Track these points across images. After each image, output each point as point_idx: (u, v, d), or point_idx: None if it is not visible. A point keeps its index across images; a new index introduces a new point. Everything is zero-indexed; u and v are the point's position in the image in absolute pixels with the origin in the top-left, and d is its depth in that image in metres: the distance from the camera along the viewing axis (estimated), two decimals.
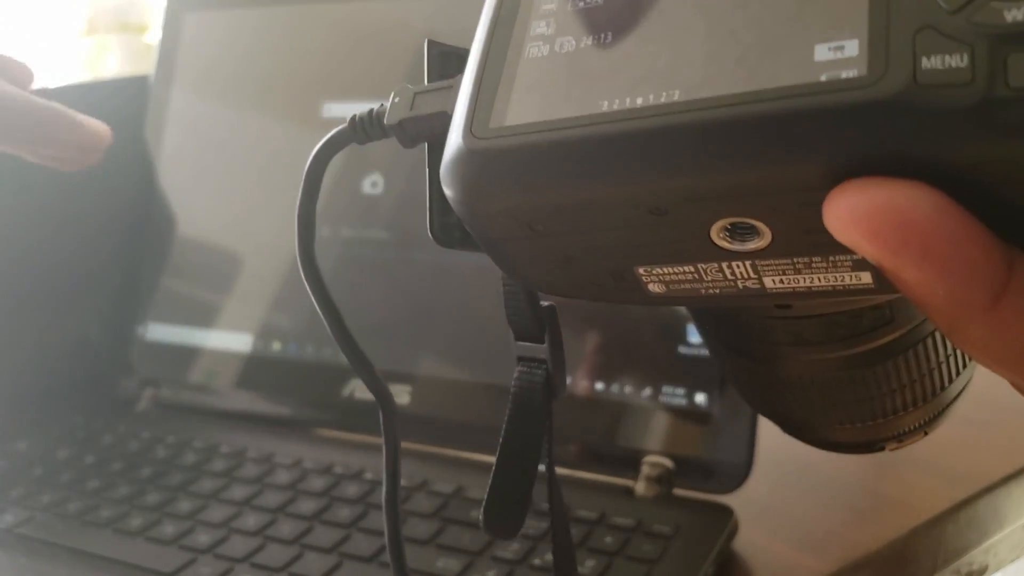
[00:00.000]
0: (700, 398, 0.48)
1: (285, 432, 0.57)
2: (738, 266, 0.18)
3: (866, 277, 0.17)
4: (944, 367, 0.25)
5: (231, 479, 0.51)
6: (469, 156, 0.18)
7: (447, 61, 0.23)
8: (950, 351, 0.24)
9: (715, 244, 0.17)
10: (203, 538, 0.46)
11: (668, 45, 0.17)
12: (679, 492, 0.47)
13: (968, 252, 0.14)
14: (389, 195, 0.58)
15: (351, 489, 0.49)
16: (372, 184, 0.58)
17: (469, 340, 0.54)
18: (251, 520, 0.47)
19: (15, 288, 0.62)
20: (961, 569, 0.47)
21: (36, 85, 0.66)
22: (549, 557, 0.42)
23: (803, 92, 0.15)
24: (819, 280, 0.18)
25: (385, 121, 0.23)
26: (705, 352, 0.48)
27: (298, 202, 0.27)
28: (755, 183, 0.16)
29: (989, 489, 0.48)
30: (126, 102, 0.66)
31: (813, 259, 0.17)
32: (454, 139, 0.19)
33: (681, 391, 0.48)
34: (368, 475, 0.50)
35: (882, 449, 0.29)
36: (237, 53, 0.64)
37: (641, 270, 0.19)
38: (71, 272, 0.64)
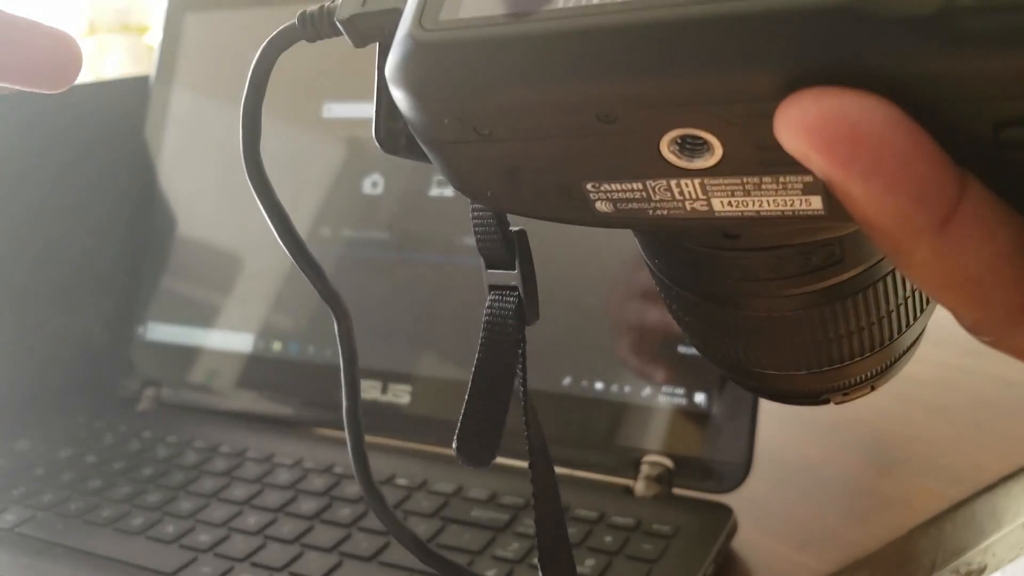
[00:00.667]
0: (699, 398, 0.48)
1: (286, 432, 0.57)
2: (687, 184, 0.17)
3: (816, 202, 0.17)
4: (895, 315, 0.24)
5: (232, 479, 0.51)
6: (416, 48, 0.18)
7: None
8: (902, 299, 0.24)
9: (665, 159, 0.17)
10: (204, 537, 0.46)
11: None
12: (678, 492, 0.47)
13: (919, 168, 0.14)
14: (389, 195, 0.58)
15: (351, 489, 0.49)
16: (372, 184, 0.58)
17: (469, 340, 0.54)
18: (252, 520, 0.47)
19: (16, 288, 0.62)
20: (960, 569, 0.48)
21: None
22: None
23: None
24: (768, 204, 0.17)
25: (335, 17, 0.23)
26: None
27: (243, 100, 0.27)
28: (706, 89, 0.15)
29: (987, 489, 0.48)
30: (127, 102, 0.66)
31: (763, 179, 0.17)
32: (402, 32, 0.18)
33: (680, 391, 0.48)
34: None
35: (827, 402, 0.28)
36: (237, 53, 0.64)
37: (589, 186, 0.18)
38: (72, 272, 0.65)
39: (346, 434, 0.30)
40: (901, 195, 0.14)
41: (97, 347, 0.65)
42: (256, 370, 0.60)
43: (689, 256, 0.23)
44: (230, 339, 0.61)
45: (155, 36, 0.83)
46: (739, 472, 0.46)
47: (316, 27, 0.24)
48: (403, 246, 0.57)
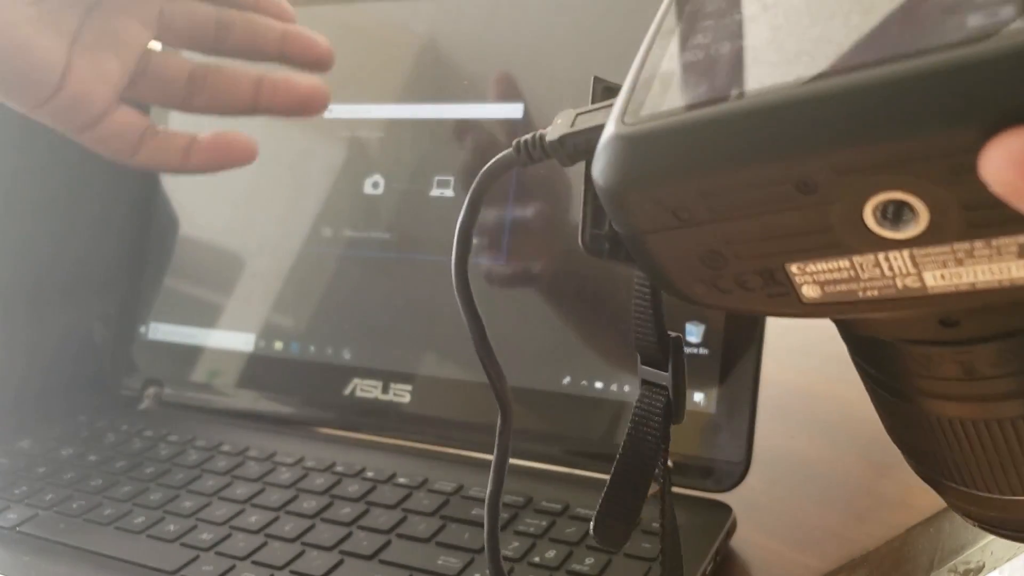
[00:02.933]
0: (698, 397, 0.48)
1: (287, 431, 0.57)
2: (896, 258, 0.17)
3: None
4: None
5: (233, 478, 0.52)
6: (617, 141, 0.18)
7: (610, 94, 0.24)
8: None
9: (870, 229, 0.16)
10: (205, 536, 0.46)
11: (808, 23, 0.17)
12: (677, 490, 0.47)
13: None
14: (390, 196, 0.58)
15: (352, 487, 0.49)
16: (373, 185, 0.58)
17: (469, 340, 0.54)
18: (253, 518, 0.47)
19: (18, 287, 0.62)
20: (958, 567, 0.48)
21: None
22: (549, 555, 0.42)
23: (947, 48, 0.15)
24: (983, 274, 0.17)
25: (547, 139, 0.24)
26: (704, 351, 0.48)
27: (459, 221, 0.28)
28: (906, 149, 0.15)
29: None
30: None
31: (975, 245, 0.16)
32: (607, 133, 0.19)
33: None
34: (369, 473, 0.50)
35: None
36: None
37: (794, 268, 0.18)
38: (74, 272, 0.65)
39: (485, 519, 0.31)
40: None
41: (99, 346, 0.66)
42: (257, 369, 0.60)
43: (901, 356, 0.22)
44: (232, 339, 0.61)
45: None
46: (738, 471, 0.46)
47: (530, 152, 0.25)
48: (403, 246, 0.57)
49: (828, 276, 0.18)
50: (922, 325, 0.21)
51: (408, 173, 0.57)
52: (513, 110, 0.54)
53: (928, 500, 0.47)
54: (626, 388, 0.50)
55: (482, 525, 0.45)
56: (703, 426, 0.48)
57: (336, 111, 0.59)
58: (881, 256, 0.17)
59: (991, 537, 0.49)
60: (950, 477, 0.25)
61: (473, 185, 0.27)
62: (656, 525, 0.44)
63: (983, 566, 0.49)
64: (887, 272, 0.17)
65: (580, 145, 0.24)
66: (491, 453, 0.54)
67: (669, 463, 0.28)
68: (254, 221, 0.62)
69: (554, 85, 0.53)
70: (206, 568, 0.43)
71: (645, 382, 0.28)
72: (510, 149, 0.26)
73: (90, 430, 0.59)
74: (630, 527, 0.28)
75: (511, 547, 0.43)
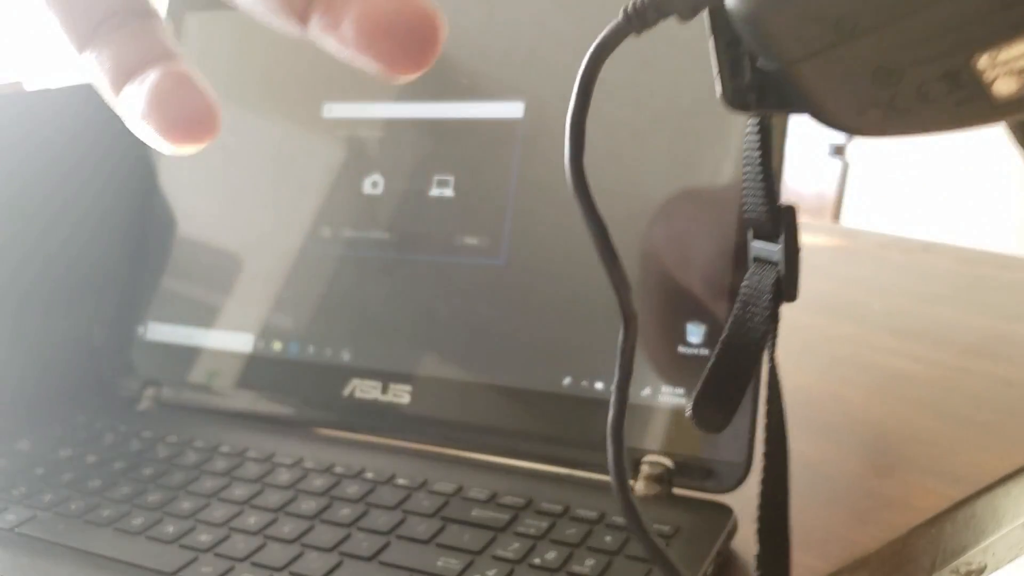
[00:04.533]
0: None
1: (286, 432, 0.57)
2: None
3: None
4: None
5: (232, 478, 0.51)
6: None
7: None
8: None
9: None
10: (204, 537, 0.46)
11: None
12: (678, 491, 0.47)
13: None
14: (390, 195, 0.58)
15: (352, 488, 0.49)
16: (372, 184, 0.58)
17: (469, 340, 0.54)
18: (252, 519, 0.47)
19: (16, 288, 0.62)
20: (960, 569, 0.48)
21: (37, 85, 0.66)
22: (549, 556, 0.42)
23: None
24: None
25: None
26: (704, 351, 0.48)
27: (570, 110, 0.24)
28: None
29: (987, 489, 0.48)
30: None
31: None
32: None
33: (680, 391, 0.48)
34: (368, 475, 0.50)
35: None
36: (238, 53, 0.64)
37: (984, 59, 0.16)
38: (72, 272, 0.65)
39: (608, 445, 0.29)
40: None
41: (97, 347, 0.65)
42: (256, 370, 0.60)
43: None
44: (230, 339, 0.61)
45: None
46: (739, 472, 0.46)
47: (641, 16, 0.22)
48: (403, 246, 0.57)
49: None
50: None
51: (407, 173, 0.57)
52: (514, 109, 0.54)
53: (930, 501, 0.47)
54: None
55: (482, 527, 0.45)
56: None
57: (336, 111, 0.59)
58: None
59: (993, 538, 0.49)
60: None
61: (583, 65, 0.24)
62: (657, 526, 0.44)
63: (985, 567, 0.49)
64: None
65: None
66: (491, 454, 0.54)
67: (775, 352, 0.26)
68: (253, 221, 0.62)
69: (556, 83, 0.53)
70: (205, 570, 0.43)
71: (755, 259, 0.26)
72: (619, 19, 0.23)
73: (88, 431, 0.59)
74: (732, 411, 0.26)
75: (511, 548, 0.43)
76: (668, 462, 0.47)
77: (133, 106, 0.21)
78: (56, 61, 0.97)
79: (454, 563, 0.42)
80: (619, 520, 0.44)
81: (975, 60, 0.16)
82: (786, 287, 0.26)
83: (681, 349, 0.49)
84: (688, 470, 0.47)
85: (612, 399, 0.28)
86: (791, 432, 0.55)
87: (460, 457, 0.52)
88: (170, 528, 0.47)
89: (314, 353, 0.58)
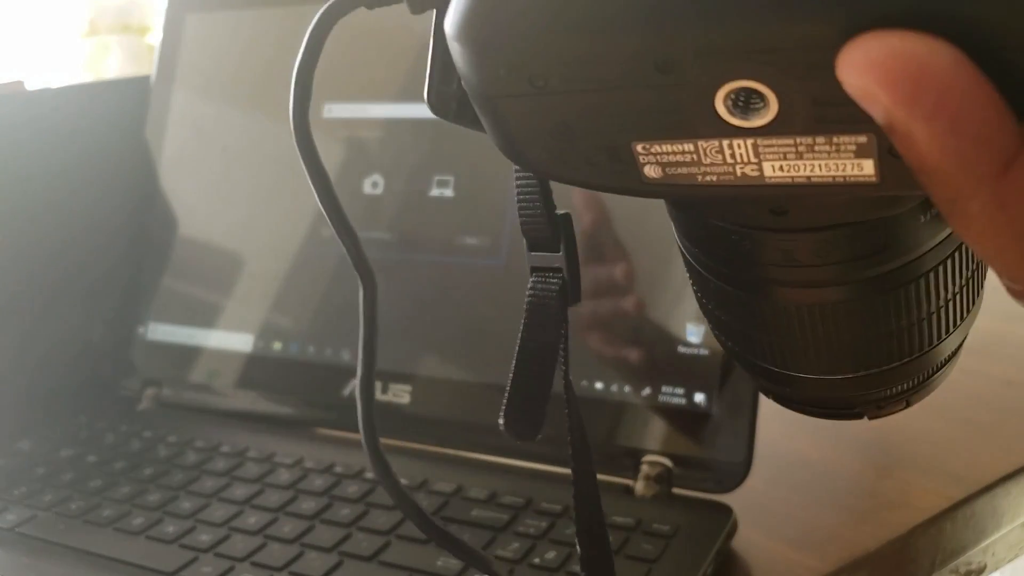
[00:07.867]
0: (699, 397, 0.48)
1: (286, 432, 0.57)
2: (739, 146, 0.17)
3: (868, 167, 0.17)
4: (936, 318, 0.23)
5: (232, 478, 0.51)
6: None
7: None
8: (943, 301, 0.23)
9: (719, 116, 0.16)
10: (204, 537, 0.46)
11: None
12: (678, 491, 0.47)
13: (981, 111, 0.14)
14: (390, 195, 0.58)
15: (352, 488, 0.49)
16: (372, 184, 0.58)
17: (469, 340, 0.54)
18: (252, 519, 0.47)
19: (17, 288, 0.62)
20: (959, 568, 0.48)
21: (37, 85, 0.66)
22: (549, 556, 0.42)
23: None
24: (820, 168, 0.17)
25: None
26: (704, 351, 0.48)
27: (297, 63, 0.27)
28: (768, 37, 0.15)
29: (987, 489, 0.48)
30: (127, 103, 0.66)
31: (816, 140, 0.16)
32: None
33: (680, 391, 0.48)
34: (368, 474, 0.50)
35: (860, 416, 0.27)
36: (238, 54, 0.64)
37: (639, 147, 0.18)
38: (73, 272, 0.65)
39: (358, 403, 0.30)
40: (964, 137, 0.14)
41: (98, 347, 0.65)
42: (256, 370, 0.60)
43: (728, 239, 0.22)
44: (230, 339, 0.61)
45: (155, 36, 0.83)
46: (739, 472, 0.46)
47: None
48: (403, 246, 0.57)
49: (671, 159, 0.18)
50: (753, 211, 0.21)
51: (408, 173, 0.57)
52: None
53: (930, 501, 0.47)
54: (627, 389, 0.50)
55: (483, 527, 0.45)
56: (704, 426, 0.48)
57: (336, 111, 0.59)
58: (725, 143, 0.17)
59: (993, 538, 0.49)
60: (763, 358, 0.25)
61: (312, 24, 0.26)
62: (657, 526, 0.44)
63: (984, 567, 0.49)
64: (729, 159, 0.17)
65: None
66: (491, 454, 0.54)
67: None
68: (253, 221, 0.62)
69: None
70: (205, 569, 0.43)
71: (536, 268, 0.27)
72: None
73: (89, 431, 0.59)
74: (540, 418, 0.27)
75: (511, 548, 0.43)
76: (668, 462, 0.47)
77: None
78: (56, 61, 0.97)
79: (454, 563, 0.42)
80: (620, 520, 0.44)
81: (634, 146, 0.18)
82: (571, 290, 0.27)
83: (681, 349, 0.49)
84: (688, 470, 0.47)
85: (360, 357, 0.30)
86: (791, 432, 0.55)
87: (459, 457, 0.52)
88: (170, 528, 0.47)
89: (314, 353, 0.58)
